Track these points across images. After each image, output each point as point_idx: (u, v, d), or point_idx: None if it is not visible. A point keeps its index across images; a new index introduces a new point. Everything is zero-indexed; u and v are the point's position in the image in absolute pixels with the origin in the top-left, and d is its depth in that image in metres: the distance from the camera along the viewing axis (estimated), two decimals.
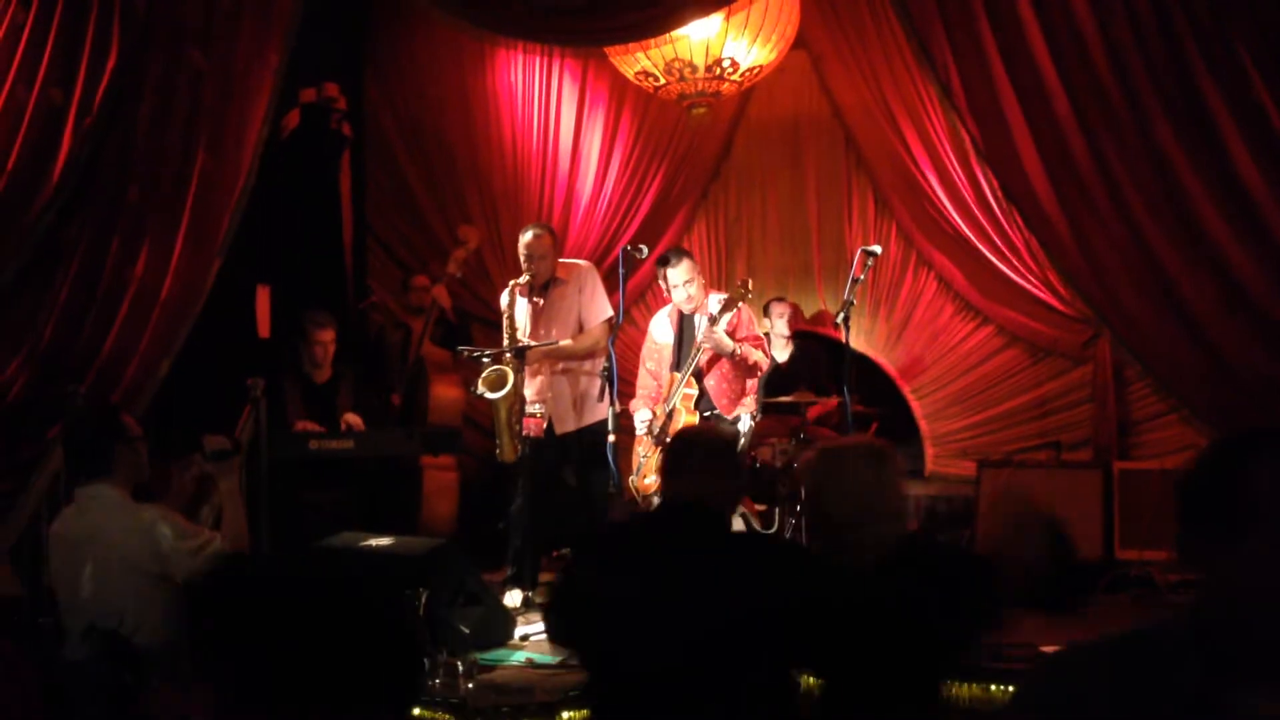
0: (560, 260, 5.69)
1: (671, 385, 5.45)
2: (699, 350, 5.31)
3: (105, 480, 3.49)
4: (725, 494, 2.75)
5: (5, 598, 4.41)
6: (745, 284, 5.28)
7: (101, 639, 3.29)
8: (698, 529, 2.62)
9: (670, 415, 5.41)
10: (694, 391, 5.38)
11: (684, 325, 5.54)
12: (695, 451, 2.75)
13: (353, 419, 5.97)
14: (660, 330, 5.62)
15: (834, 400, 6.50)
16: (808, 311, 7.48)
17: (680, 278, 5.37)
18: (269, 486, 5.06)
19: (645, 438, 5.53)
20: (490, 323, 6.88)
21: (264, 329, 6.87)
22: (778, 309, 6.87)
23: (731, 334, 5.31)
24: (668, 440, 5.21)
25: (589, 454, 5.48)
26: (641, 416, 5.52)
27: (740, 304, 5.27)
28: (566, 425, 5.56)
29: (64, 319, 5.52)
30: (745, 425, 5.53)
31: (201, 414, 5.02)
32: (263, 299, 6.86)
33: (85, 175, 5.61)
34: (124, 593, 3.38)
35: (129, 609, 3.35)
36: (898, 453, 2.81)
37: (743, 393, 5.48)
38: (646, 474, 5.51)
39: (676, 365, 5.50)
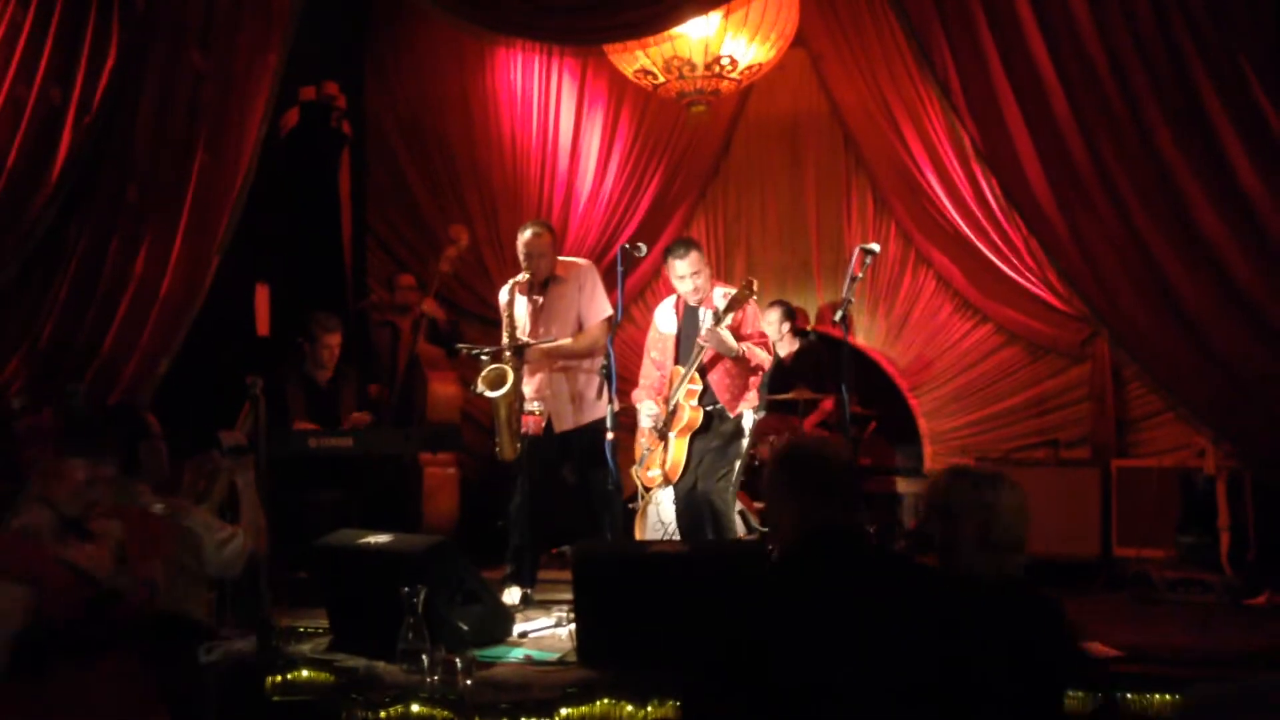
0: (560, 259, 5.70)
1: (674, 379, 5.45)
2: (702, 347, 5.31)
3: (130, 478, 3.52)
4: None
5: None
6: (750, 284, 5.25)
7: None
8: (867, 559, 2.42)
9: (674, 410, 5.42)
10: (698, 387, 5.38)
11: (687, 316, 5.53)
12: (835, 471, 2.48)
13: (360, 418, 5.98)
14: (664, 320, 5.61)
15: (831, 399, 6.52)
16: (809, 309, 7.47)
17: (687, 269, 5.36)
18: (268, 484, 5.07)
19: (650, 432, 5.53)
20: (489, 320, 6.89)
21: (263, 327, 6.88)
22: (773, 313, 6.86)
23: (736, 331, 5.31)
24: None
25: (588, 452, 5.49)
26: (647, 410, 5.52)
27: (745, 302, 5.27)
28: (565, 423, 5.56)
29: (64, 317, 5.54)
30: (749, 423, 5.54)
31: (201, 412, 5.03)
32: (262, 297, 6.87)
33: (85, 174, 5.63)
34: None
35: (162, 602, 3.36)
36: None
37: (745, 389, 5.48)
38: (650, 466, 5.52)
39: (679, 358, 5.49)
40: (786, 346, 6.84)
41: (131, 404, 4.47)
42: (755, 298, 5.29)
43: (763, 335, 5.51)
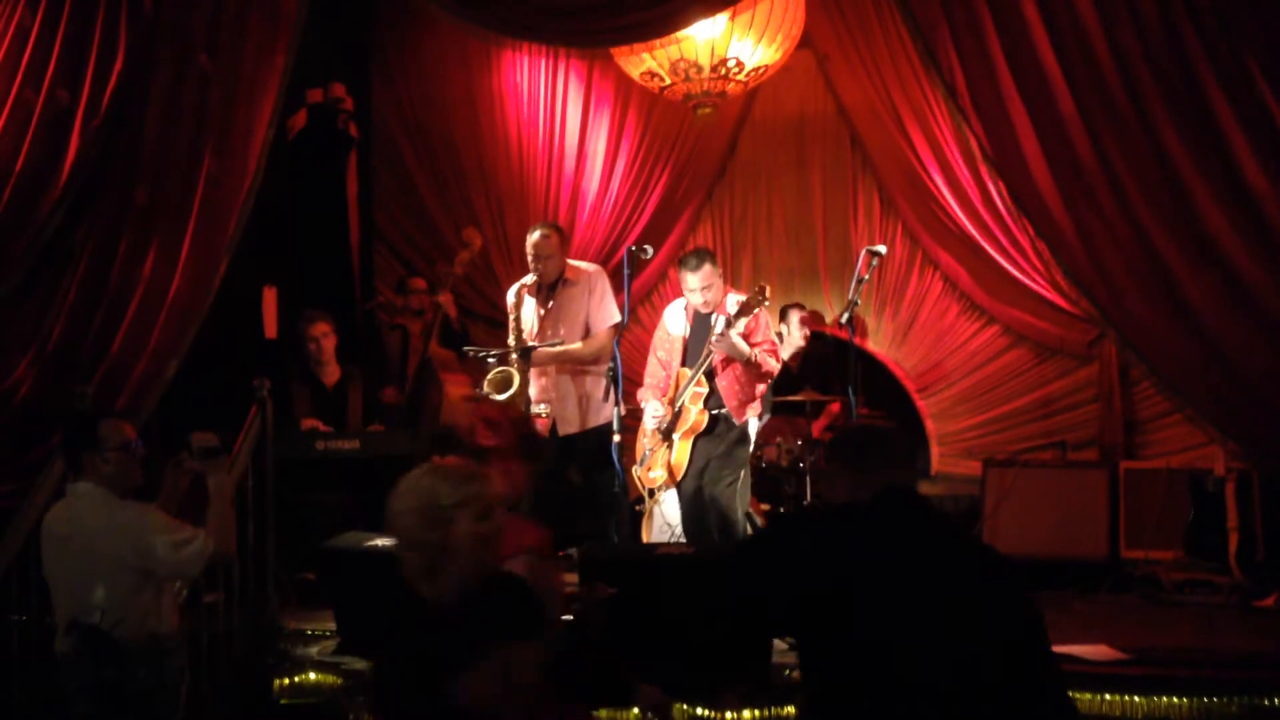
0: (570, 262, 5.70)
1: (680, 381, 5.44)
2: (711, 350, 5.30)
3: (88, 479, 3.55)
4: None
5: None
6: (763, 290, 5.22)
7: (82, 634, 3.33)
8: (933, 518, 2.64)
9: (680, 412, 5.41)
10: (705, 390, 5.37)
11: (698, 319, 5.52)
12: (901, 443, 2.73)
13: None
14: (674, 321, 5.60)
15: (838, 401, 6.51)
16: (815, 310, 7.46)
17: (698, 283, 5.33)
18: (276, 487, 5.08)
19: (654, 432, 5.52)
20: (496, 323, 6.89)
21: (271, 330, 6.89)
22: (796, 315, 6.84)
23: (747, 338, 5.30)
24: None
25: (594, 455, 5.49)
26: (653, 410, 5.51)
27: (757, 309, 5.25)
28: (570, 427, 5.56)
29: (72, 319, 5.55)
30: (753, 428, 5.54)
31: (209, 414, 5.04)
32: (269, 300, 6.88)
33: (93, 176, 5.64)
34: (105, 588, 3.41)
35: (110, 603, 3.38)
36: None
37: (753, 396, 5.47)
38: (651, 466, 5.51)
39: (686, 361, 5.48)
40: (793, 348, 6.83)
41: (92, 415, 4.43)
42: (767, 304, 5.28)
43: (773, 343, 5.50)
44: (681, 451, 5.39)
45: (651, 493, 5.59)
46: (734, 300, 5.35)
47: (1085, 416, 6.67)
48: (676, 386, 5.46)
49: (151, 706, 3.47)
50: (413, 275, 7.23)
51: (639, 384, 5.82)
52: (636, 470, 5.60)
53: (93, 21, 5.66)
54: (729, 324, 5.19)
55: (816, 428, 6.60)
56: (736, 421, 5.37)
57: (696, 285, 5.34)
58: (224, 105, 5.71)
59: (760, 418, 5.59)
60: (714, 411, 5.38)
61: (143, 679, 3.44)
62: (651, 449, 5.51)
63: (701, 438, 5.38)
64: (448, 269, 6.70)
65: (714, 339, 5.24)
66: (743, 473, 5.39)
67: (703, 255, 5.43)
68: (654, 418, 5.50)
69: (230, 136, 5.69)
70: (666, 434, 5.44)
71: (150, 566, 3.48)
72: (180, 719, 3.61)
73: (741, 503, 5.40)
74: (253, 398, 5.07)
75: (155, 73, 5.69)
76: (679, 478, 5.41)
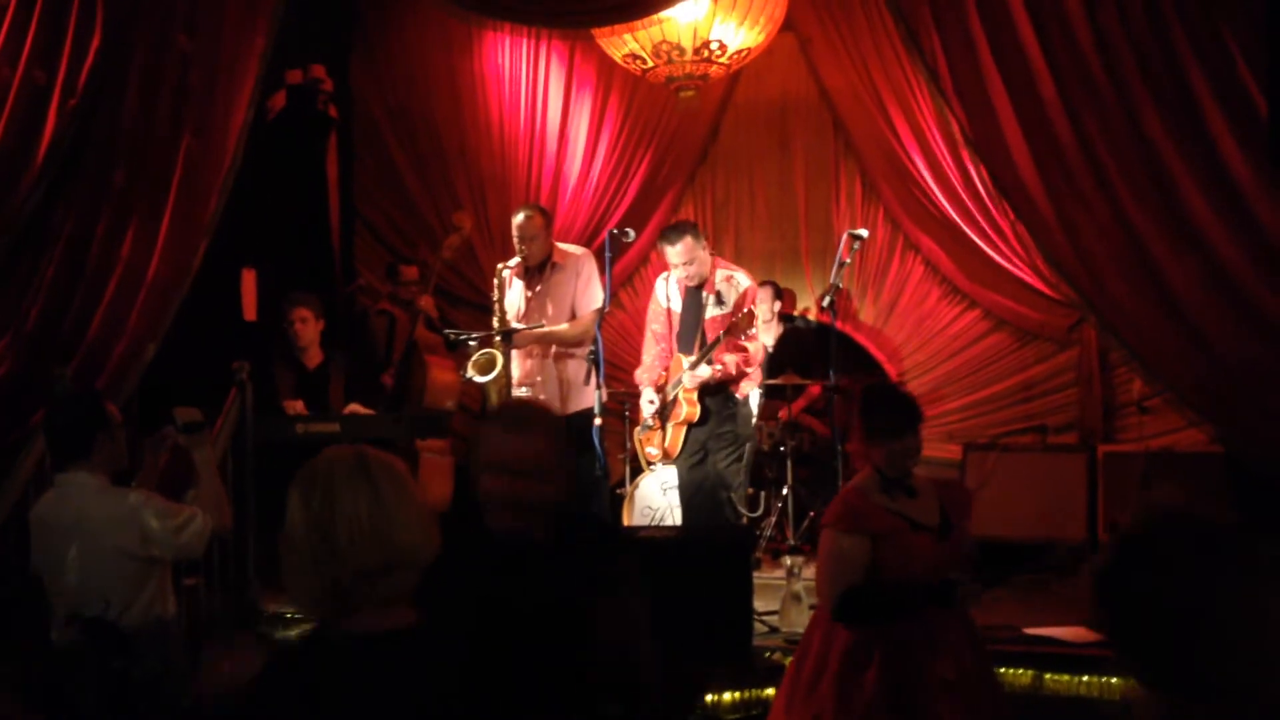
0: (558, 245, 5.68)
1: (674, 370, 5.44)
2: (680, 384, 5.34)
3: (84, 466, 3.50)
4: None
5: None
6: (750, 314, 5.24)
7: (88, 624, 3.30)
8: None
9: (673, 402, 5.41)
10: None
11: (689, 294, 5.52)
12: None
13: (357, 409, 5.96)
14: (662, 292, 5.60)
15: (818, 385, 6.52)
16: (797, 295, 7.46)
17: (679, 257, 5.32)
18: (255, 469, 5.06)
19: (652, 415, 5.55)
20: (479, 306, 6.87)
21: (250, 312, 6.85)
22: (763, 292, 6.84)
23: (739, 311, 5.31)
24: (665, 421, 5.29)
25: (576, 439, 5.48)
26: (647, 397, 5.54)
27: (739, 335, 5.24)
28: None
29: (50, 301, 5.51)
30: (755, 401, 5.58)
31: (188, 397, 5.01)
32: (248, 282, 6.84)
33: (71, 157, 5.59)
34: (110, 577, 3.39)
35: (115, 593, 3.36)
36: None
37: (747, 375, 5.51)
38: (649, 443, 5.55)
39: (680, 333, 5.47)
40: (773, 332, 6.83)
41: (93, 392, 4.40)
42: (754, 332, 5.27)
43: (744, 344, 5.43)
44: (675, 438, 5.41)
45: (649, 464, 5.67)
46: (723, 276, 5.35)
47: (1065, 400, 6.70)
48: (670, 375, 5.47)
49: (159, 693, 3.45)
50: (404, 263, 7.17)
51: (622, 369, 5.83)
52: (638, 433, 5.65)
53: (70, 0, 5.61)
54: (693, 365, 5.23)
55: (796, 409, 6.61)
56: (738, 397, 5.40)
57: (677, 260, 5.34)
58: (203, 85, 5.67)
59: (760, 386, 5.62)
60: (709, 398, 5.37)
61: (150, 666, 3.41)
62: (650, 426, 5.55)
63: (702, 418, 5.39)
64: (432, 252, 6.65)
65: (685, 378, 5.28)
66: (747, 446, 5.43)
67: (682, 229, 5.42)
68: (649, 403, 5.53)
69: (209, 117, 5.65)
70: (661, 420, 5.46)
71: (155, 552, 3.46)
72: (188, 704, 3.58)
73: (743, 481, 5.44)
74: (232, 380, 5.05)
75: (133, 52, 5.64)
76: (674, 454, 5.44)
